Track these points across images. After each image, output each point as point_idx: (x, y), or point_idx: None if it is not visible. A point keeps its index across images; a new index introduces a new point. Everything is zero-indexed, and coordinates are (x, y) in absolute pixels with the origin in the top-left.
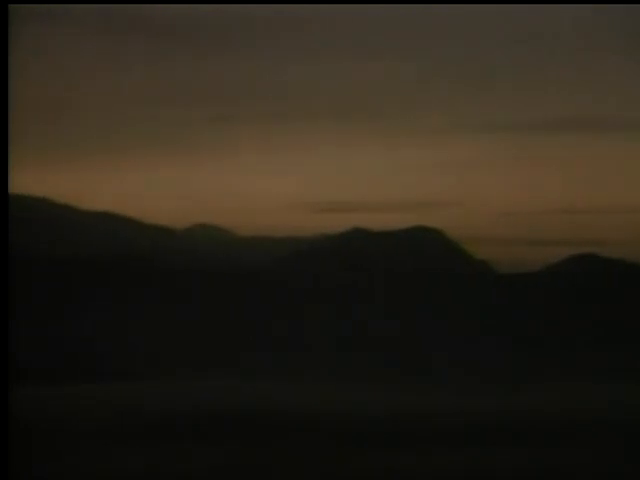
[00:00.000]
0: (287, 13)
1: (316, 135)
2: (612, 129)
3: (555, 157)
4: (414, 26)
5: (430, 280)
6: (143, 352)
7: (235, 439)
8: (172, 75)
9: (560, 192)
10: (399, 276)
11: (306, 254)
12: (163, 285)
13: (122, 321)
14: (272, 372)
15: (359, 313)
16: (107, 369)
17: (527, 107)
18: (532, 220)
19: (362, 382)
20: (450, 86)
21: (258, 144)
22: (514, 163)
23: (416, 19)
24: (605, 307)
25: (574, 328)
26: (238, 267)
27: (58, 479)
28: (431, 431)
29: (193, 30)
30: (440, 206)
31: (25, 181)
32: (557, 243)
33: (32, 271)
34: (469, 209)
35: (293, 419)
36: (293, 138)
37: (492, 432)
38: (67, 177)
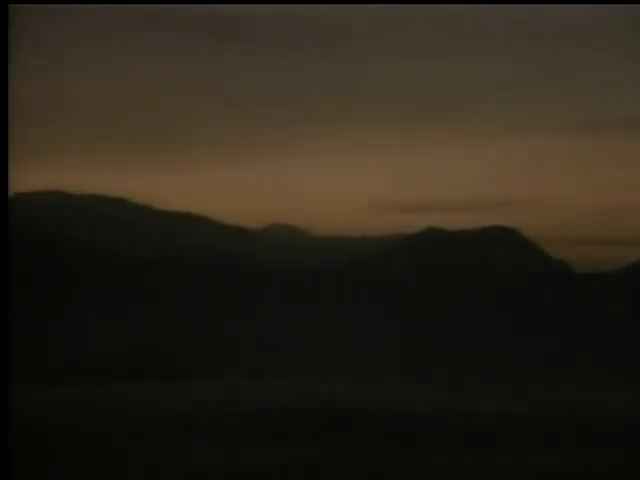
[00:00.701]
0: (364, 13)
1: (391, 135)
2: None
3: (634, 155)
4: (489, 27)
5: (506, 280)
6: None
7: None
8: (244, 76)
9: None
10: (475, 276)
11: (381, 254)
12: (239, 284)
13: (202, 321)
14: (351, 372)
15: (434, 313)
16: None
17: (606, 105)
18: (611, 219)
19: (443, 383)
20: (524, 85)
21: (334, 144)
22: (592, 162)
23: (492, 20)
24: None
25: None
26: (314, 268)
27: (58, 479)
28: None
29: (270, 30)
30: (516, 206)
31: (96, 181)
32: (637, 242)
33: (100, 271)
34: (545, 208)
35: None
36: (369, 138)
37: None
38: (140, 178)
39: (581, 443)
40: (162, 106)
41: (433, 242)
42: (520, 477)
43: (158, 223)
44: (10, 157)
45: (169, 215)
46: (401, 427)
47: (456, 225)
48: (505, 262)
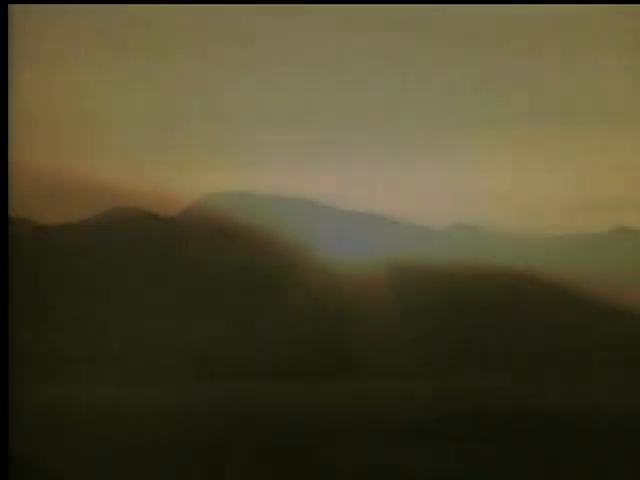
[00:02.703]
0: (535, 12)
1: (575, 133)
2: None
3: None
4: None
5: None
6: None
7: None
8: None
9: None
10: None
11: (568, 254)
12: (419, 285)
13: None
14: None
15: (617, 315)
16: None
17: None
18: None
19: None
20: None
21: (517, 143)
22: None
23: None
24: None
25: None
26: (496, 267)
27: (58, 479)
28: None
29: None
30: None
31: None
32: None
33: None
34: None
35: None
36: (551, 137)
37: None
38: (318, 178)
39: None
40: (340, 106)
41: (623, 242)
42: None
43: (341, 223)
44: (10, 159)
45: (351, 215)
46: None
47: None
48: None
